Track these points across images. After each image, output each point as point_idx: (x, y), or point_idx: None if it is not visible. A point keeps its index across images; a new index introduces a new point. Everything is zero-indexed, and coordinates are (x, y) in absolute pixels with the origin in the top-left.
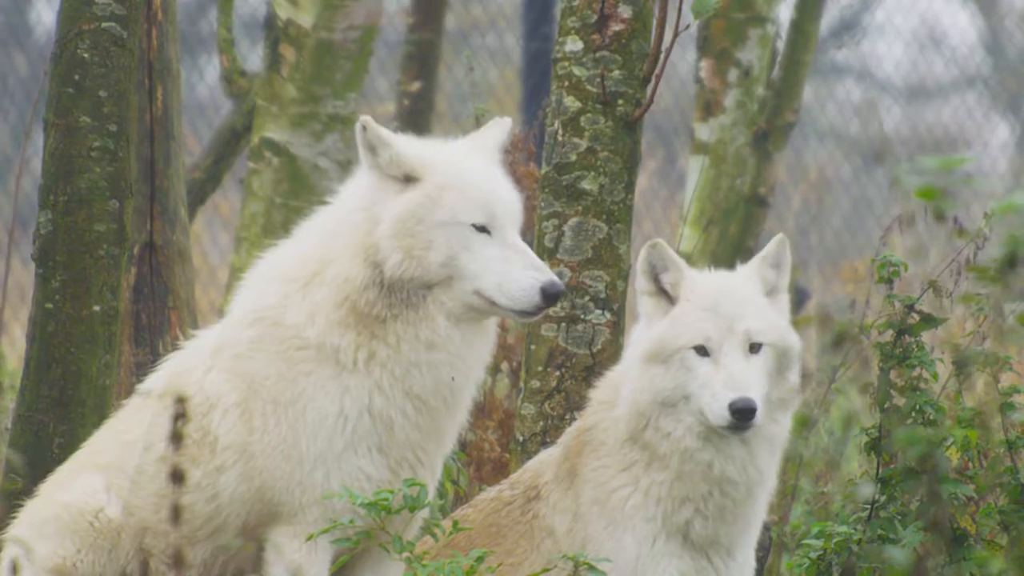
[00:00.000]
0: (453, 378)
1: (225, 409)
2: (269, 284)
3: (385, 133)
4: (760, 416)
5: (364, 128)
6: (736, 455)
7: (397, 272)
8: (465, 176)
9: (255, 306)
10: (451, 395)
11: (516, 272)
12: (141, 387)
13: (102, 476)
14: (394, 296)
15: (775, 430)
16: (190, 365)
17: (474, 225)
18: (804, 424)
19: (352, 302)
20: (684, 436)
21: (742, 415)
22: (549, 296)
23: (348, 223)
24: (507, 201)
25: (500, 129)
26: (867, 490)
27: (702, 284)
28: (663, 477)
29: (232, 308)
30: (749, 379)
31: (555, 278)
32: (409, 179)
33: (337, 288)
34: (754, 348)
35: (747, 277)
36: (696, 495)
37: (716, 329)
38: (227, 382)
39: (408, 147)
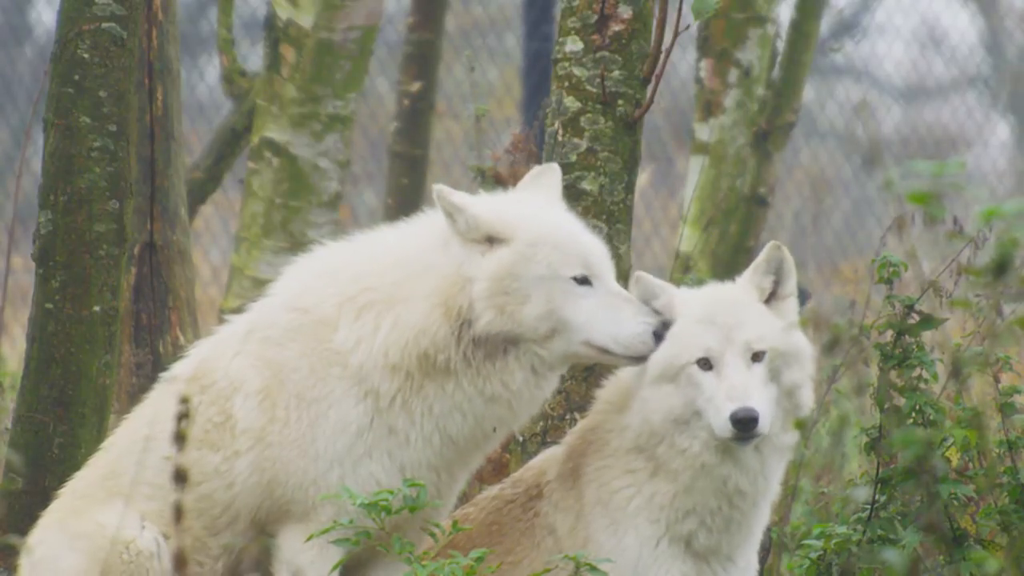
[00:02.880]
0: (495, 429)
1: (247, 394)
2: (319, 280)
3: (458, 199)
4: (766, 425)
5: (438, 196)
6: (751, 466)
7: (488, 329)
8: (556, 230)
9: (300, 297)
10: (484, 440)
11: (627, 320)
12: (166, 374)
13: (131, 499)
14: (478, 350)
15: (785, 439)
16: (219, 350)
17: (574, 278)
18: (803, 425)
19: (426, 354)
20: (702, 452)
21: (744, 425)
22: (661, 339)
23: (430, 274)
24: (600, 250)
25: (554, 176)
26: (861, 492)
27: (697, 298)
28: (668, 488)
29: (270, 292)
30: (751, 388)
31: (662, 320)
32: (492, 240)
33: (410, 336)
34: (757, 357)
35: (742, 286)
36: (704, 509)
37: (716, 340)
38: (253, 367)
39: (484, 208)
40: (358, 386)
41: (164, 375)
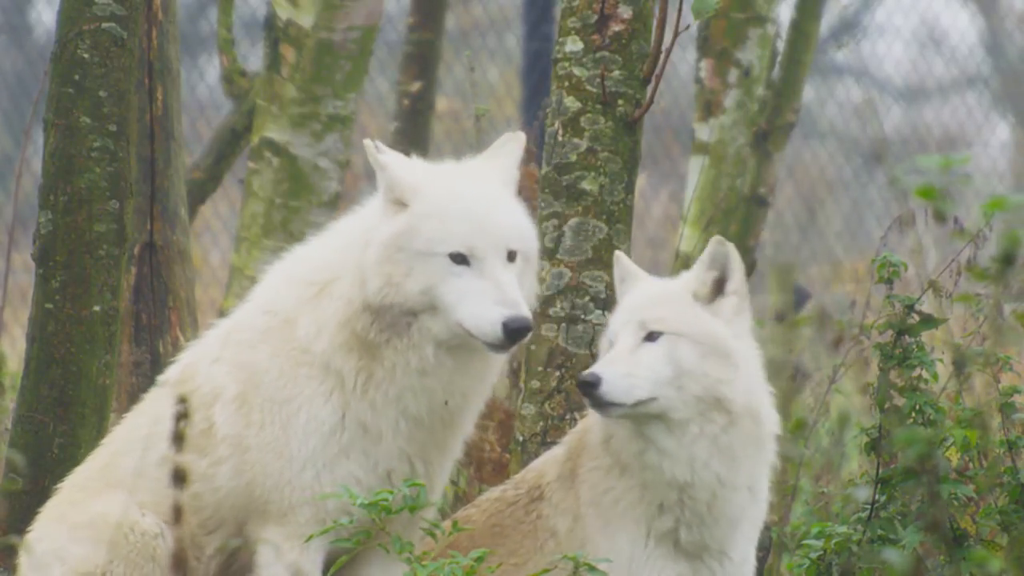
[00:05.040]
0: (447, 402)
1: (226, 400)
2: (286, 282)
3: (384, 158)
4: (613, 392)
5: (367, 151)
6: (671, 450)
7: (377, 298)
8: (448, 204)
9: (271, 301)
10: (448, 415)
11: (486, 305)
12: (160, 377)
13: (129, 489)
14: (382, 321)
15: (712, 429)
16: (201, 355)
17: (451, 256)
18: (802, 425)
19: (352, 326)
20: (625, 439)
21: (585, 387)
22: (511, 331)
23: (356, 243)
24: (492, 229)
25: (516, 144)
26: (863, 492)
27: (634, 289)
28: (632, 483)
29: (249, 297)
30: (614, 356)
31: (521, 313)
32: (401, 204)
33: (341, 308)
34: (652, 336)
35: (682, 280)
36: (669, 503)
37: (616, 323)
38: (229, 374)
39: (403, 171)
40: (325, 382)
41: (160, 377)
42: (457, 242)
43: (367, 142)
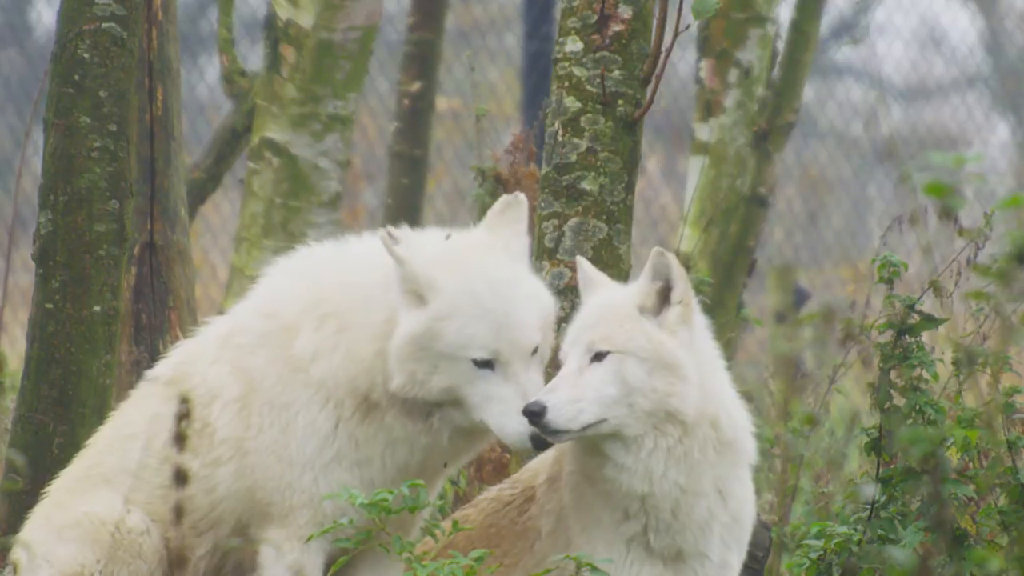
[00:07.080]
0: (446, 464)
1: (225, 402)
2: (290, 289)
3: (400, 251)
4: (556, 421)
5: (383, 243)
6: (627, 464)
7: (402, 392)
8: (470, 304)
9: (270, 303)
10: (441, 469)
11: (511, 415)
12: (149, 373)
13: (115, 486)
14: (402, 407)
15: (667, 442)
16: (198, 353)
17: (475, 360)
18: (811, 420)
19: (363, 394)
20: (575, 448)
21: (531, 416)
22: (539, 445)
23: (375, 311)
24: (515, 332)
25: (519, 209)
26: (867, 490)
27: (589, 300)
28: (598, 490)
29: (248, 296)
30: (557, 385)
31: (545, 427)
32: (419, 298)
33: (359, 370)
34: (598, 357)
35: (628, 291)
36: (634, 510)
37: (567, 342)
38: (230, 375)
39: (420, 263)
40: (320, 393)
41: (147, 374)
42: (480, 347)
43: (382, 233)
